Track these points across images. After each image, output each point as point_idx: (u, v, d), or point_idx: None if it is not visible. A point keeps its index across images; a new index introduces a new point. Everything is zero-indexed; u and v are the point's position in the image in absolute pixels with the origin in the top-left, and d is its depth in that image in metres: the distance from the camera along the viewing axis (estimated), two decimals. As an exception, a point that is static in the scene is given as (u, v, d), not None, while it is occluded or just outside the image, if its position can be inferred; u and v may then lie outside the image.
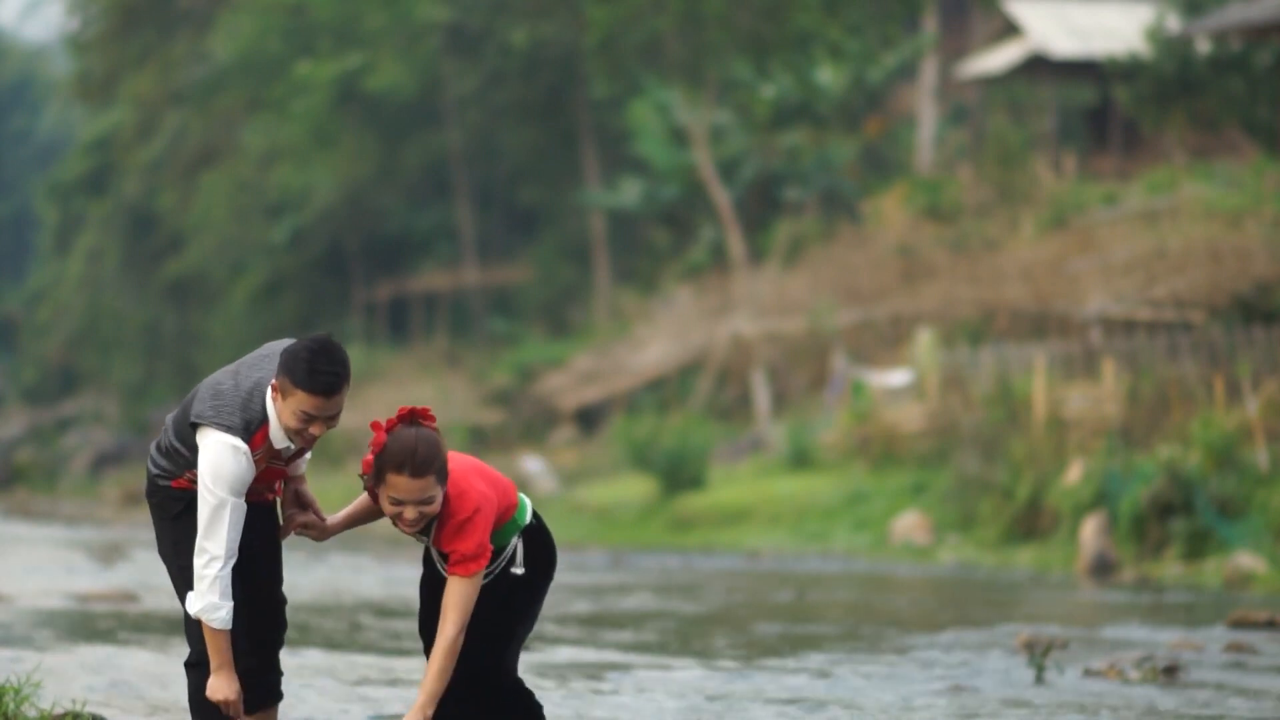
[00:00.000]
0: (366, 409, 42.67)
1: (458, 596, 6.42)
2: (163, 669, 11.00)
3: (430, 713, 6.36)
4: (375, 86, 49.26)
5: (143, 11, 55.08)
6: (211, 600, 6.38)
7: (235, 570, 6.50)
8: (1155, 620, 15.64)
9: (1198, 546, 21.37)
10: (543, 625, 14.52)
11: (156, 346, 57.67)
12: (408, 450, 6.34)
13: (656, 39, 42.99)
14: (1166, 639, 13.76)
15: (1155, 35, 36.46)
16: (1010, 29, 44.38)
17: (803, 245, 40.07)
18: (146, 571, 19.91)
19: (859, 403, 31.18)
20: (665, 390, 39.11)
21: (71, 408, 61.50)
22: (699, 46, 41.95)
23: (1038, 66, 42.37)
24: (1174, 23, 36.91)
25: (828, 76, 43.19)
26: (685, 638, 14.15)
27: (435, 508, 6.41)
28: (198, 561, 6.38)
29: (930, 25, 44.40)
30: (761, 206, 43.39)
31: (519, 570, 6.61)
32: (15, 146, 79.01)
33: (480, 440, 40.34)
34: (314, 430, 6.40)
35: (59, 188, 63.63)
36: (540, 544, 6.68)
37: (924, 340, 30.98)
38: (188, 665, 6.62)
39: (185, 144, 56.27)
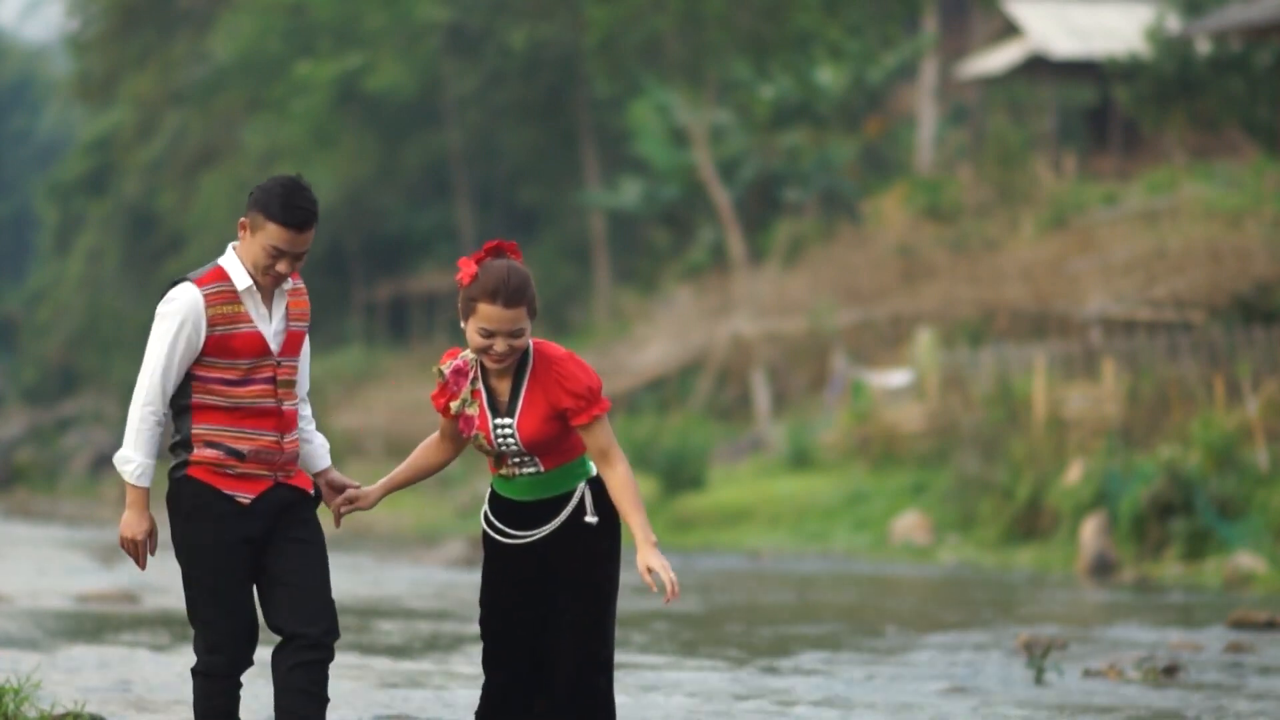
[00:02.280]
0: (367, 409, 42.73)
1: (606, 435, 6.27)
2: (162, 669, 11.00)
3: (653, 536, 6.22)
4: (375, 86, 49.27)
5: (143, 11, 55.09)
6: (124, 453, 6.28)
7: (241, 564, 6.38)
8: (1155, 620, 15.64)
9: (1198, 546, 21.38)
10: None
11: (156, 346, 57.52)
12: (500, 278, 6.20)
13: (656, 39, 43.00)
14: (1166, 639, 13.76)
15: (1155, 35, 36.46)
16: (1010, 29, 44.39)
17: (803, 245, 40.07)
18: (146, 572, 19.90)
19: (859, 403, 31.18)
20: (665, 390, 39.11)
21: (71, 408, 61.47)
22: (699, 46, 41.95)
23: (1038, 66, 42.38)
24: (1174, 23, 36.91)
25: (828, 77, 43.19)
26: (685, 638, 14.15)
27: (523, 343, 6.24)
28: (127, 432, 6.29)
29: (930, 25, 44.41)
30: (761, 207, 43.39)
31: (592, 519, 6.37)
32: (15, 146, 78.99)
33: (480, 440, 40.30)
34: (280, 267, 6.29)
35: (59, 188, 63.62)
36: (605, 497, 6.41)
37: (924, 340, 30.98)
38: (194, 672, 6.46)
39: (185, 144, 56.28)
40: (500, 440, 6.32)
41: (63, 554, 23.31)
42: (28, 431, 59.29)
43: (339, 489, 6.62)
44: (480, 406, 6.34)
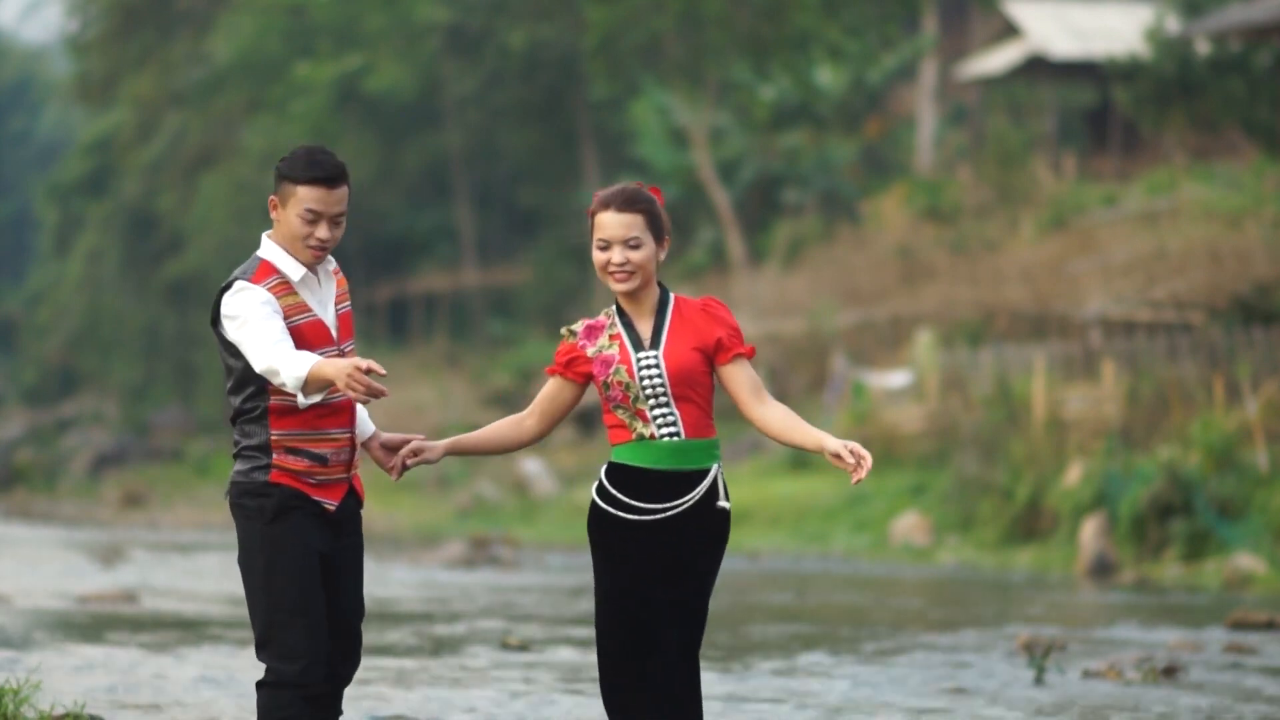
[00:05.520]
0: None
1: (755, 373, 6.24)
2: (162, 669, 11.00)
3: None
4: (375, 87, 49.30)
5: (143, 12, 55.09)
6: (284, 375, 5.93)
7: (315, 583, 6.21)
8: (1155, 621, 15.64)
9: (1197, 547, 21.38)
10: (541, 626, 14.49)
11: (156, 347, 57.61)
12: (617, 189, 6.27)
13: (656, 40, 42.99)
14: (1166, 639, 13.77)
15: (1155, 36, 36.46)
16: (1010, 30, 44.39)
17: (802, 246, 40.08)
18: (146, 572, 19.92)
19: (859, 403, 31.18)
20: (665, 391, 39.08)
21: (71, 408, 61.47)
22: (699, 47, 41.94)
23: (1037, 67, 42.38)
24: (1174, 24, 36.91)
25: (827, 77, 43.21)
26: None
27: (642, 257, 6.24)
28: (270, 371, 6.00)
29: (930, 26, 44.42)
30: (761, 207, 43.40)
31: (725, 504, 6.21)
32: (15, 147, 79.01)
33: (480, 441, 40.29)
34: (320, 233, 6.21)
35: (59, 188, 63.61)
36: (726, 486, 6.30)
37: (924, 341, 30.98)
38: (260, 685, 6.23)
39: (185, 144, 56.26)
40: (644, 374, 6.19)
41: (62, 554, 23.31)
42: (28, 432, 59.28)
43: (396, 447, 6.41)
44: (621, 345, 6.25)
